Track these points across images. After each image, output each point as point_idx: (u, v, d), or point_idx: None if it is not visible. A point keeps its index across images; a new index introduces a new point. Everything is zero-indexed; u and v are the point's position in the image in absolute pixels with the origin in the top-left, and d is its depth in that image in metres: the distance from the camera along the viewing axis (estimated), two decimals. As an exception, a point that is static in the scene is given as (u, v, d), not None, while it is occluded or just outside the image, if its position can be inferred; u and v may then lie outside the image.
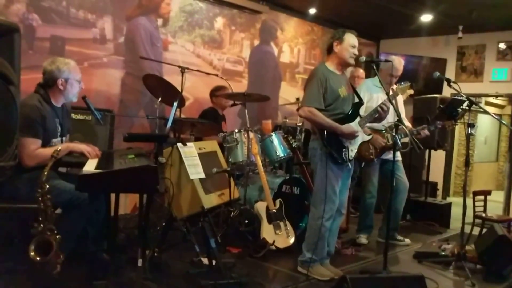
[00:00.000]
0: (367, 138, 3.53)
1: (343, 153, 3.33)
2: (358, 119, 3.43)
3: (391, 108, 3.50)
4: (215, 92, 5.05)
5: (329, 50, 3.43)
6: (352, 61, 3.39)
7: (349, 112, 3.39)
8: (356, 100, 3.52)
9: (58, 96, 3.03)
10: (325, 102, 3.30)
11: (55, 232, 2.41)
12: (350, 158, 3.41)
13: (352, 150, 3.42)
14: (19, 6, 4.08)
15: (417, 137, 4.24)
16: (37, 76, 3.11)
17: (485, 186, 6.00)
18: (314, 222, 3.39)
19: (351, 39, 3.35)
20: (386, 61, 3.82)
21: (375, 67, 3.50)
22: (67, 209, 2.85)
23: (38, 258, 2.33)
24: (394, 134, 3.39)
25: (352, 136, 3.35)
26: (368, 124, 3.68)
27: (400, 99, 4.28)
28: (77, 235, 2.90)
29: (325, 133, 3.29)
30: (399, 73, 4.26)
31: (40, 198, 2.39)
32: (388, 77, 4.16)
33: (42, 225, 2.39)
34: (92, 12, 4.59)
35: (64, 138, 3.12)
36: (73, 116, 3.72)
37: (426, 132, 4.32)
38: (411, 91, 4.38)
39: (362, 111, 3.53)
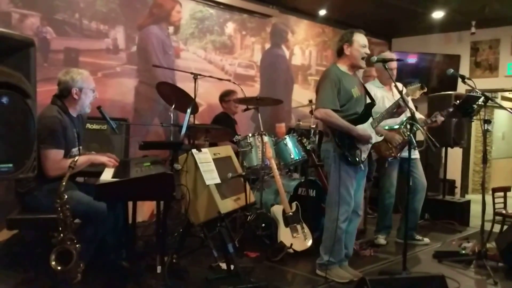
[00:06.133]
0: (379, 139, 3.51)
1: (356, 154, 3.32)
2: (370, 119, 3.41)
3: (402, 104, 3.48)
4: (224, 97, 5.06)
5: (340, 53, 3.40)
6: (363, 64, 3.37)
7: (362, 113, 3.37)
8: (368, 100, 3.50)
9: (74, 106, 3.08)
10: (338, 102, 3.29)
11: (75, 241, 2.45)
12: (363, 160, 3.39)
13: (364, 151, 3.39)
14: (33, 20, 4.15)
15: (433, 125, 4.19)
16: (52, 88, 3.17)
17: (505, 183, 5.89)
18: (330, 224, 3.37)
19: (360, 39, 3.33)
20: (398, 60, 3.79)
21: (386, 67, 3.49)
22: (85, 219, 2.89)
23: (59, 268, 2.36)
24: (409, 132, 3.36)
25: (366, 140, 3.33)
26: (382, 123, 3.65)
27: (409, 98, 4.24)
28: (96, 243, 2.94)
29: (338, 134, 3.28)
30: (393, 66, 4.19)
31: (59, 208, 2.42)
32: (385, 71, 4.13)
33: (62, 235, 2.43)
34: (104, 23, 4.66)
35: (81, 148, 3.17)
36: (89, 126, 3.78)
37: (441, 118, 4.23)
38: (424, 89, 4.33)
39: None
